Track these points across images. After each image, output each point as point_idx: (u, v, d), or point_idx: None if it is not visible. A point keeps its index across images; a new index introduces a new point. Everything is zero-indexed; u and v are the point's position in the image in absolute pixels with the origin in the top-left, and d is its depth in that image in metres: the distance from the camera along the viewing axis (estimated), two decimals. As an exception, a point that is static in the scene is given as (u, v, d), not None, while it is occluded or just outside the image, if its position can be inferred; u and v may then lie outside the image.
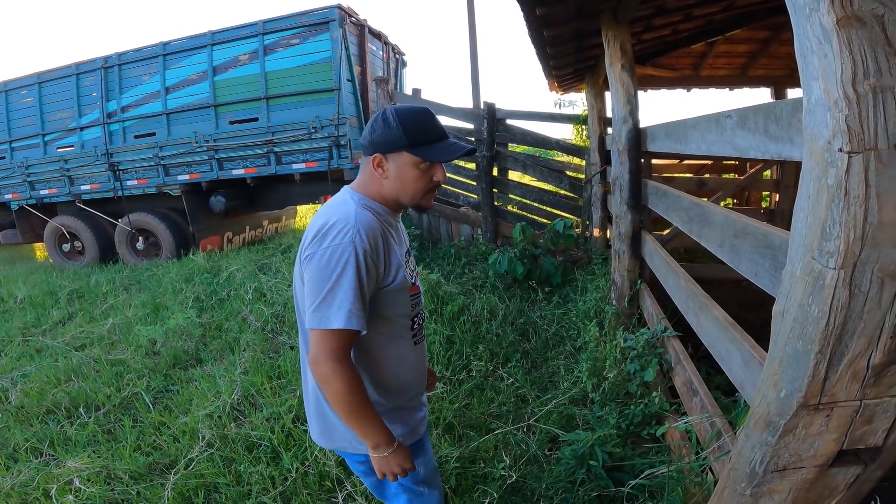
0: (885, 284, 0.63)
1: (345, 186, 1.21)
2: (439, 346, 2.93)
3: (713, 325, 1.48)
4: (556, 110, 5.74)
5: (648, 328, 2.41)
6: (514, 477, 1.98)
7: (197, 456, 2.24)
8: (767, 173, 4.68)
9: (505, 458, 2.11)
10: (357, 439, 1.16)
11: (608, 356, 2.43)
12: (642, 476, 1.78)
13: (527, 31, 2.62)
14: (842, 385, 0.72)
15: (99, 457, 2.33)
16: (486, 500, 1.86)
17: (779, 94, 5.08)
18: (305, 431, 2.27)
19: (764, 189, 5.00)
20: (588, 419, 2.30)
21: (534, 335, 3.33)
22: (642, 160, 2.73)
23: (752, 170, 4.51)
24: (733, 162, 5.31)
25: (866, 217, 0.61)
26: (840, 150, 0.61)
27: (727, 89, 5.39)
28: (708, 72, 5.21)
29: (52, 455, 2.43)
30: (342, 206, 1.12)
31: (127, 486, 2.12)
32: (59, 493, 2.07)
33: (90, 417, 2.72)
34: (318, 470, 2.09)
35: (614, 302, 3.01)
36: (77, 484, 2.13)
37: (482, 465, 2.10)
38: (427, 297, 3.41)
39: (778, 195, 4.35)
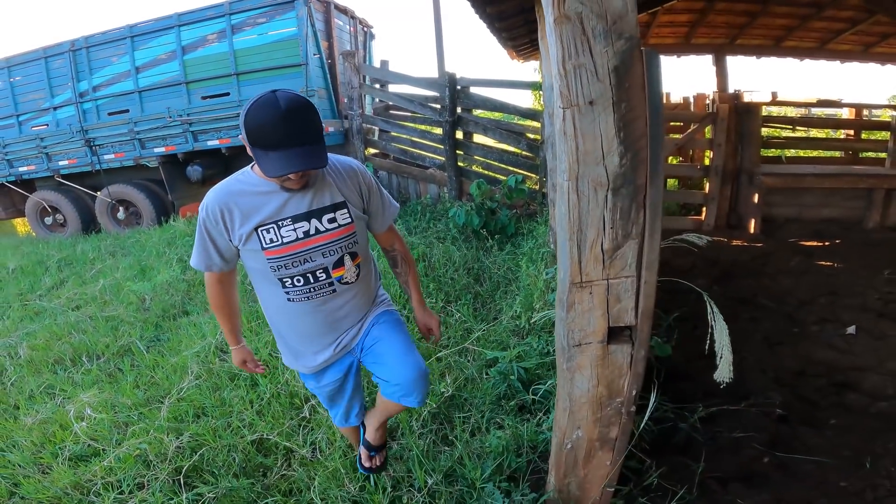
0: (597, 190, 1.01)
1: None
2: (397, 288, 3.32)
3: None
4: (536, 76, 5.99)
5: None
6: (450, 391, 2.36)
7: (187, 386, 2.60)
8: (708, 132, 5.03)
9: (447, 378, 2.52)
10: (287, 358, 1.58)
11: (536, 290, 2.84)
12: (547, 385, 2.20)
13: (471, 7, 2.88)
14: (591, 266, 1.09)
15: (104, 393, 2.67)
16: (427, 410, 2.25)
17: (718, 61, 5.38)
18: (278, 360, 2.66)
19: (700, 147, 5.33)
20: (518, 346, 2.71)
21: (486, 279, 3.73)
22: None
23: (689, 129, 4.85)
24: (679, 123, 5.65)
25: (577, 147, 0.97)
26: (560, 106, 0.96)
27: (675, 56, 5.68)
28: (655, 40, 5.44)
29: (63, 396, 2.75)
30: None
31: (130, 412, 2.48)
32: (75, 419, 2.41)
33: (93, 365, 3.05)
34: (290, 391, 2.48)
35: (551, 245, 3.41)
36: (89, 412, 2.46)
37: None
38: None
39: (712, 152, 4.72)
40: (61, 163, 7.05)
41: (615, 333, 1.19)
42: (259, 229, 1.31)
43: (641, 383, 1.27)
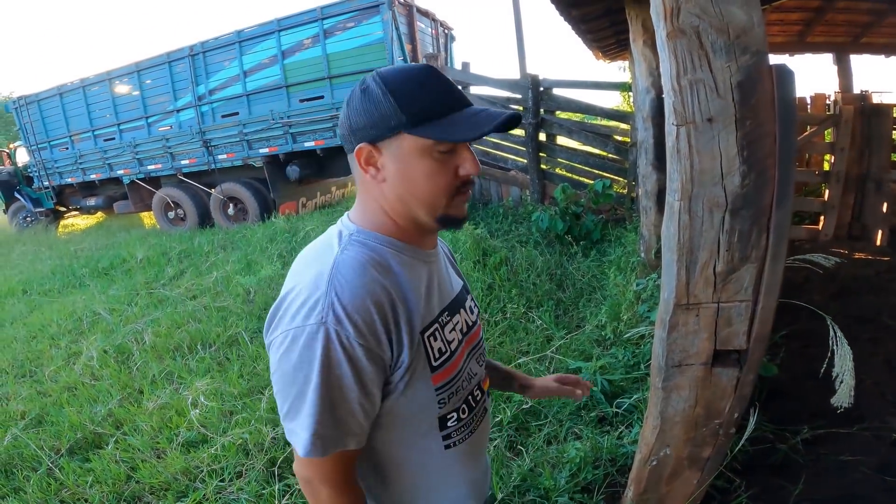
0: (712, 211, 0.95)
1: (343, 216, 0.81)
2: (480, 291, 3.34)
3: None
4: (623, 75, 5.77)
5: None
6: (530, 403, 2.32)
7: None
8: (828, 136, 4.53)
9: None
10: None
11: (624, 300, 2.73)
12: (632, 399, 2.12)
13: (556, 10, 2.84)
14: (700, 288, 1.03)
15: (215, 381, 2.89)
16: (500, 417, 2.24)
17: (840, 60, 4.84)
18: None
19: (818, 151, 4.84)
20: (602, 357, 2.63)
21: (569, 285, 3.65)
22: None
23: (806, 132, 4.39)
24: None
25: (692, 166, 0.93)
26: (673, 123, 0.92)
27: (787, 55, 5.23)
28: (763, 39, 5.06)
29: (181, 383, 3.00)
30: (320, 252, 0.74)
31: (235, 401, 2.66)
32: (192, 406, 2.62)
33: (206, 353, 3.33)
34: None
35: (642, 254, 3.26)
36: (202, 400, 2.66)
37: (506, 391, 2.51)
38: (471, 251, 3.80)
39: (833, 157, 4.25)
40: (183, 162, 7.85)
41: (721, 356, 1.13)
42: (426, 336, 0.75)
43: (745, 407, 1.19)
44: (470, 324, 0.87)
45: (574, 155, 5.36)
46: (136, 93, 7.84)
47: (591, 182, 5.02)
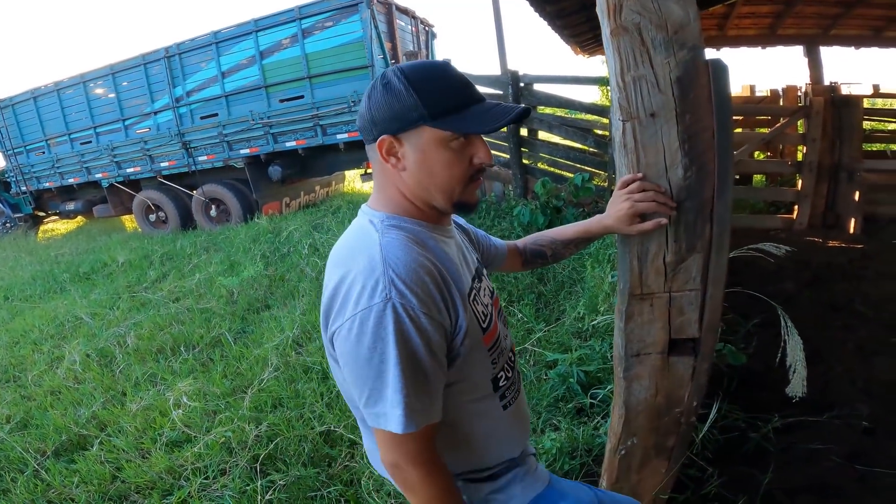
0: (659, 203, 0.99)
1: (362, 206, 0.86)
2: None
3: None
4: (604, 69, 5.82)
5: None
6: None
7: (267, 378, 2.80)
8: (801, 127, 4.64)
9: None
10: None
11: (600, 292, 2.78)
12: (606, 389, 2.17)
13: (531, 6, 2.86)
14: (652, 278, 1.06)
15: (198, 382, 2.90)
16: None
17: (811, 52, 4.96)
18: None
19: (791, 142, 4.96)
20: (580, 348, 2.67)
21: (549, 279, 3.69)
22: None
23: (778, 124, 4.49)
24: (766, 117, 5.28)
25: (638, 160, 0.96)
26: (620, 119, 0.95)
27: (759, 48, 5.33)
28: (735, 32, 5.17)
29: (164, 384, 3.00)
30: (361, 240, 0.78)
31: (218, 401, 2.68)
32: (174, 406, 2.63)
33: (189, 354, 3.32)
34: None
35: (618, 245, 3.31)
36: (185, 400, 2.68)
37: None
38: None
39: (806, 147, 4.35)
40: (163, 164, 7.75)
41: (677, 345, 1.16)
42: (471, 300, 0.82)
43: (704, 394, 1.23)
44: (492, 288, 0.96)
45: (555, 150, 5.41)
46: (112, 95, 7.73)
47: (572, 176, 5.07)
